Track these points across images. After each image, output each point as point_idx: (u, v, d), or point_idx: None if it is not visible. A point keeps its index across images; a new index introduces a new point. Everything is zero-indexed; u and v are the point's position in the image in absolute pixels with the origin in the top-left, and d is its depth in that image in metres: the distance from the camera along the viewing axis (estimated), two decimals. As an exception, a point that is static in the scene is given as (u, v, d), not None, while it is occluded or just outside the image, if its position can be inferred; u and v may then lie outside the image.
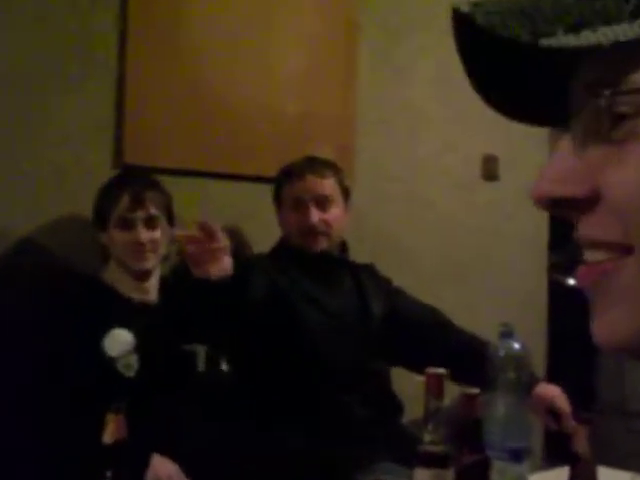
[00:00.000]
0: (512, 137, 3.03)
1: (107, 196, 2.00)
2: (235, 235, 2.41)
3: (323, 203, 2.13)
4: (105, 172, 2.24)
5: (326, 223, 2.12)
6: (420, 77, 2.88)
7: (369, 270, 2.31)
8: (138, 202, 1.96)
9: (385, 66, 2.80)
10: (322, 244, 2.13)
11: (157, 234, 1.99)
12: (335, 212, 2.15)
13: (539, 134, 3.04)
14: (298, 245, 2.13)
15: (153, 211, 1.98)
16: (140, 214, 1.96)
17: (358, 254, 2.39)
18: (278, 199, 2.21)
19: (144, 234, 1.96)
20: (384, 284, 2.31)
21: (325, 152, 2.52)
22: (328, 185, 2.15)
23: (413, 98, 2.86)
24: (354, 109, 2.70)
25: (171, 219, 2.06)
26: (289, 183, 2.15)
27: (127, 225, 1.96)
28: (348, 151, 2.69)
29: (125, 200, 1.96)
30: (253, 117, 2.49)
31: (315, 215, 2.10)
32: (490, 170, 2.99)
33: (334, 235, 2.16)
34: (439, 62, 2.88)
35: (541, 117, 0.54)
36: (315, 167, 2.15)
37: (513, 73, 0.51)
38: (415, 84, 2.87)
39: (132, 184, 1.99)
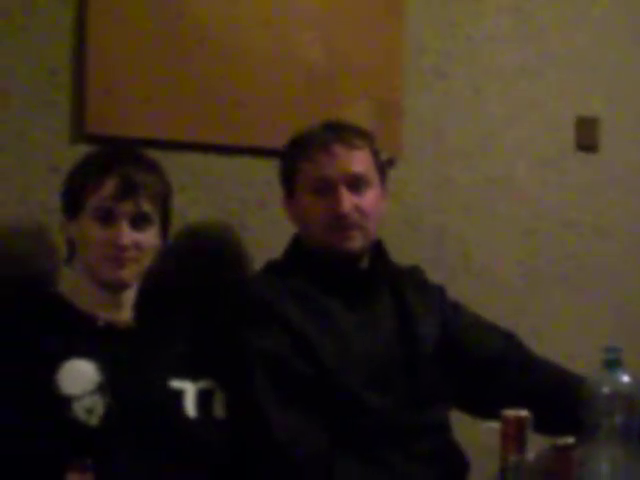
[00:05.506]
0: (618, 92, 3.03)
1: (85, 176, 1.97)
2: (233, 240, 2.43)
3: (356, 184, 2.10)
4: (61, 148, 2.24)
5: (361, 211, 2.10)
6: (492, 7, 2.85)
7: (414, 277, 2.30)
8: (127, 191, 1.93)
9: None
10: (357, 241, 2.11)
11: (145, 237, 1.97)
12: (371, 196, 2.13)
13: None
14: (323, 244, 2.10)
15: (146, 206, 1.96)
16: (127, 207, 1.94)
17: (411, 261, 2.37)
18: (290, 180, 2.18)
19: (128, 235, 1.93)
20: (435, 295, 2.30)
21: (362, 112, 2.55)
22: (362, 159, 2.12)
23: (481, 38, 2.84)
24: (400, 54, 2.68)
25: (167, 219, 2.04)
26: (308, 158, 2.11)
27: (107, 219, 1.94)
28: (392, 111, 2.65)
29: (110, 185, 1.93)
30: (262, 67, 2.49)
31: (347, 201, 2.07)
32: (587, 137, 2.97)
33: (371, 228, 2.14)
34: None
35: None
36: (343, 134, 2.11)
37: None
38: (485, 17, 2.85)
39: (122, 164, 1.96)
